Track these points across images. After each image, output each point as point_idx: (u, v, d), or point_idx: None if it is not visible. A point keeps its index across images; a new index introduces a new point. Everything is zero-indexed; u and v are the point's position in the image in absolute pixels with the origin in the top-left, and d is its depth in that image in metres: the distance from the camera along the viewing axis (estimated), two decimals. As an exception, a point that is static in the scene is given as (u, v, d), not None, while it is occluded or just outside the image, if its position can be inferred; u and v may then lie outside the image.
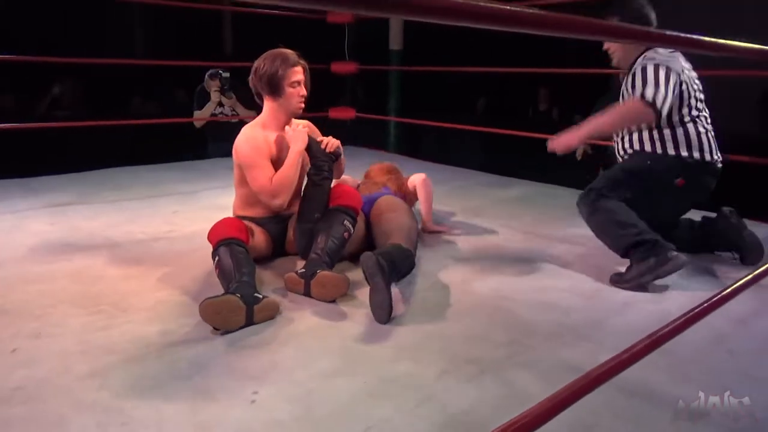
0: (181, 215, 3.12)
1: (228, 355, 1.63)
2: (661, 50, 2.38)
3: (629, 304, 2.05)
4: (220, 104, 4.54)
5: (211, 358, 1.62)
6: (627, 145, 2.45)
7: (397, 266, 2.01)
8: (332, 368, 1.57)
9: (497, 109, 5.27)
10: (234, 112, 4.53)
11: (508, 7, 0.76)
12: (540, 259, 2.50)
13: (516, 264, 2.44)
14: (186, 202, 3.41)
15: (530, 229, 2.91)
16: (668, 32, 1.10)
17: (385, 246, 2.13)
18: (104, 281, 2.18)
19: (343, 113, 4.84)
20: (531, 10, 0.79)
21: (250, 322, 1.80)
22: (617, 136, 2.49)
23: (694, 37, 1.13)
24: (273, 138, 2.34)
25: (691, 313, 1.35)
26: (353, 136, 5.35)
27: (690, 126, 2.35)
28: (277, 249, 2.46)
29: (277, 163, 2.30)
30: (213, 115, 4.53)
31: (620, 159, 2.50)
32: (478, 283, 2.21)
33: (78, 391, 1.45)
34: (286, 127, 2.34)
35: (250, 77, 2.34)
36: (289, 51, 2.33)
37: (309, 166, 2.34)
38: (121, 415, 1.36)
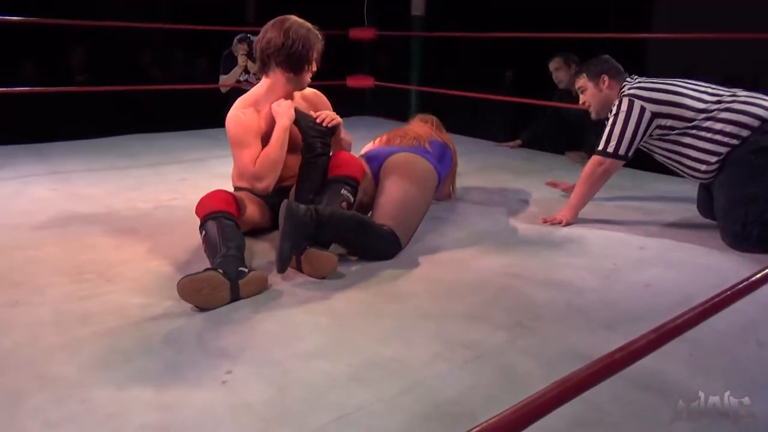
0: (187, 183, 3.03)
1: (206, 331, 1.52)
2: (640, 80, 2.37)
3: (651, 285, 1.87)
4: (246, 70, 4.41)
5: (187, 334, 1.51)
6: (703, 166, 2.27)
7: (328, 218, 1.86)
8: (314, 348, 1.44)
9: (526, 79, 5.03)
10: (258, 80, 4.40)
11: None
12: (557, 235, 2.33)
13: (531, 240, 2.27)
14: (195, 170, 3.33)
15: (550, 204, 2.72)
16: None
17: (353, 214, 1.99)
18: (94, 249, 2.10)
19: (362, 82, 4.67)
20: None
21: (236, 297, 1.68)
22: (681, 164, 2.34)
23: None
24: (267, 113, 2.18)
25: (717, 299, 1.18)
26: (372, 105, 5.19)
27: (734, 104, 2.21)
28: (276, 220, 2.33)
29: (269, 139, 2.13)
30: (238, 81, 4.41)
31: (706, 178, 2.33)
32: (486, 260, 2.05)
33: (42, 363, 1.36)
34: (275, 103, 2.15)
35: (262, 47, 2.15)
36: (309, 25, 2.18)
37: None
38: (82, 391, 1.26)
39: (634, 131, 2.27)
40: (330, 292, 1.77)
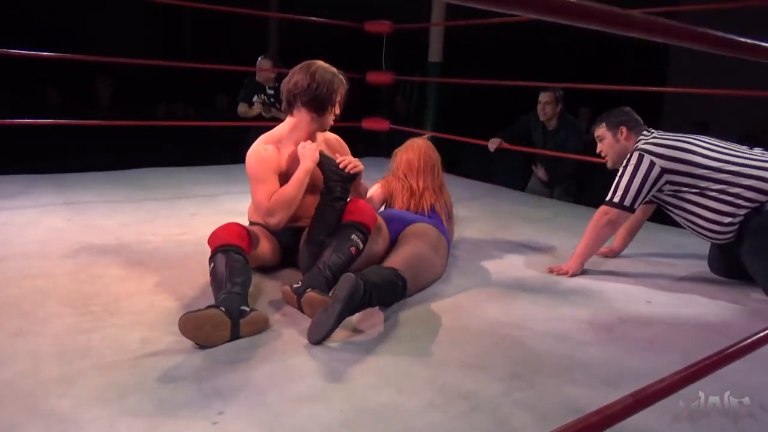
0: (197, 218, 3.08)
1: (203, 369, 1.53)
2: (655, 135, 2.38)
3: (655, 342, 1.84)
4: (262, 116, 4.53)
5: (184, 371, 1.52)
6: (717, 227, 2.26)
7: (376, 296, 1.82)
8: (309, 392, 1.44)
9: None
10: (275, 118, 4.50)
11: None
12: (563, 285, 2.32)
13: (535, 289, 2.26)
14: (206, 205, 3.38)
15: (558, 253, 2.72)
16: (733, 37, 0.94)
17: (380, 269, 1.97)
18: (101, 281, 2.13)
19: (377, 124, 4.74)
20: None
21: (236, 336, 1.69)
22: (694, 224, 2.34)
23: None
24: (289, 152, 2.25)
25: (717, 356, 1.17)
26: (387, 147, 5.26)
27: (751, 169, 2.21)
28: (288, 259, 2.35)
29: (287, 178, 2.20)
30: (273, 119, 4.53)
31: (720, 240, 2.33)
32: (488, 307, 2.05)
33: (39, 396, 1.38)
34: (300, 144, 2.23)
35: (289, 88, 2.24)
36: (334, 69, 2.27)
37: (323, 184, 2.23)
38: (73, 426, 1.27)
39: (641, 184, 2.29)
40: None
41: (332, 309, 1.68)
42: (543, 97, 4.07)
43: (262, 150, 2.23)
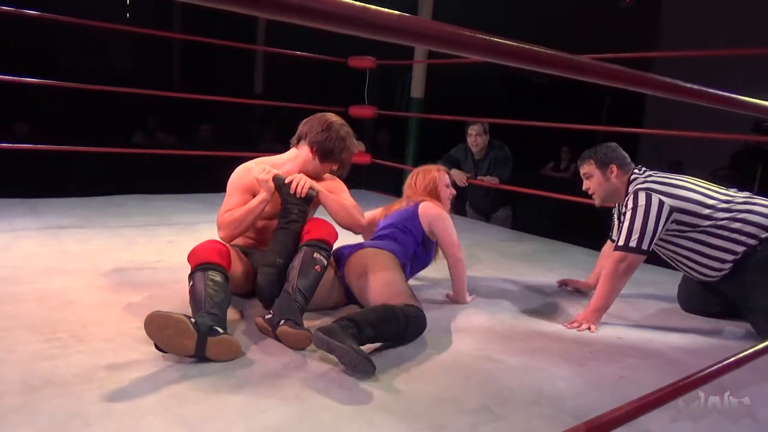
0: (174, 245, 3.06)
1: (170, 398, 1.51)
2: (651, 174, 2.37)
3: (625, 376, 1.86)
4: None
5: (151, 400, 1.49)
6: (717, 264, 2.28)
7: (373, 326, 1.82)
8: (277, 424, 1.42)
9: (517, 166, 5.15)
10: None
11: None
12: (537, 321, 2.33)
13: (509, 324, 2.27)
14: (184, 232, 3.36)
15: (532, 288, 2.75)
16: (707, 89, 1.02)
17: (377, 306, 1.98)
18: (72, 308, 2.10)
19: (359, 158, 4.78)
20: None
21: (201, 352, 1.68)
22: (694, 262, 2.33)
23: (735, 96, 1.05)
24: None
25: (671, 387, 1.19)
26: (368, 181, 5.32)
27: (747, 205, 2.26)
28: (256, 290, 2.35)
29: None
30: None
31: (712, 277, 2.33)
32: (461, 341, 2.05)
33: (-1, 424, 1.35)
34: (261, 167, 2.26)
35: (310, 127, 2.36)
36: (351, 132, 2.41)
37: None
38: (33, 455, 1.24)
39: (655, 225, 2.22)
40: (302, 364, 1.76)
41: (337, 349, 1.67)
42: (473, 129, 4.23)
43: (248, 169, 2.33)
